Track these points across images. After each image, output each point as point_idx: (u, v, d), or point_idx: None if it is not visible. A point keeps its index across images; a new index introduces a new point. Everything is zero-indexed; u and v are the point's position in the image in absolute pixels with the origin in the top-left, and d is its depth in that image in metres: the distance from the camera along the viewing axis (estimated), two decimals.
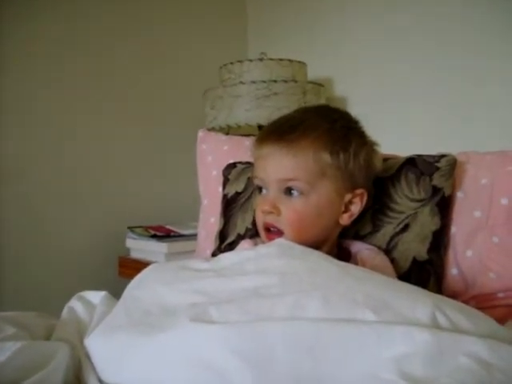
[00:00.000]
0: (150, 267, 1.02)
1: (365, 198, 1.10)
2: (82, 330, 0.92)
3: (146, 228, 2.05)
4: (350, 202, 1.09)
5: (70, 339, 0.87)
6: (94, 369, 0.80)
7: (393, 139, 1.73)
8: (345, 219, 1.09)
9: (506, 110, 1.78)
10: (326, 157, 1.03)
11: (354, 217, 1.11)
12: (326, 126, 1.06)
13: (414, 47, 2.01)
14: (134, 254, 2.07)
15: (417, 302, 0.76)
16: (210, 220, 1.54)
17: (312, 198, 1.04)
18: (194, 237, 1.75)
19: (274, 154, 1.05)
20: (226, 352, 0.70)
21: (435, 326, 0.72)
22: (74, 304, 1.02)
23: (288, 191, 1.04)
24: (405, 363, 0.66)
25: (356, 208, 1.10)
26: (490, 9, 1.81)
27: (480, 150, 1.31)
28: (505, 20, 1.78)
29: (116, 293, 1.03)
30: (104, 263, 2.15)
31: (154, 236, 1.95)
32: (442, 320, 0.72)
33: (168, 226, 2.06)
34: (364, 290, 0.77)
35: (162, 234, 1.96)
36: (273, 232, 1.06)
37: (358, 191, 1.08)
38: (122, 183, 2.26)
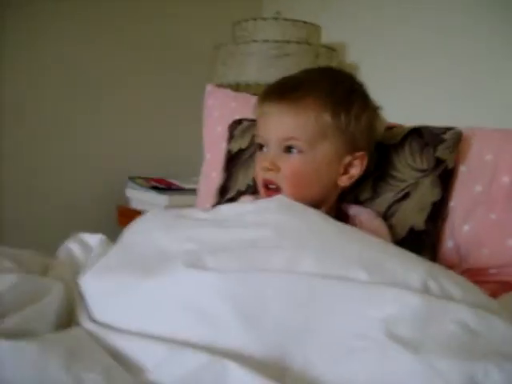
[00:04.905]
0: (148, 213, 1.03)
1: (365, 161, 1.10)
2: (77, 270, 0.94)
3: (147, 179, 2.05)
4: (350, 164, 1.09)
5: (65, 278, 0.89)
6: (86, 307, 0.81)
7: (404, 108, 1.72)
8: (344, 181, 1.10)
9: None
10: (327, 117, 1.04)
11: (354, 179, 1.11)
12: (328, 87, 1.06)
13: (430, 15, 1.97)
14: (134, 204, 2.08)
15: (410, 267, 0.77)
16: (211, 174, 1.54)
17: (310, 156, 1.04)
18: (194, 191, 1.76)
19: (275, 113, 1.05)
20: (218, 298, 0.71)
21: (426, 291, 0.73)
22: (71, 244, 1.03)
23: (288, 149, 1.05)
24: (394, 325, 0.67)
25: (356, 170, 1.10)
26: None
27: (492, 124, 1.30)
28: None
29: (114, 241, 1.03)
30: (104, 211, 2.16)
31: (154, 187, 1.96)
32: (433, 286, 0.74)
33: (169, 180, 2.07)
34: (359, 250, 0.78)
35: (163, 187, 1.96)
36: (271, 189, 1.07)
37: (359, 154, 1.09)
38: (124, 133, 2.24)
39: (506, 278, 1.18)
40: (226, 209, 0.98)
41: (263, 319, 0.69)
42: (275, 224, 0.86)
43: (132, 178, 2.07)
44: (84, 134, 2.15)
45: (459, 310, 0.70)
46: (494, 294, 1.08)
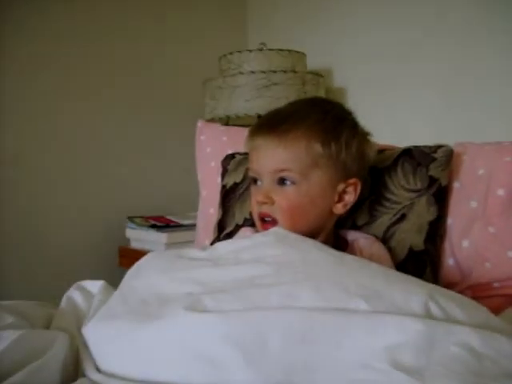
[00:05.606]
0: (147, 256, 1.03)
1: (359, 188, 1.10)
2: (80, 319, 0.93)
3: (146, 218, 2.05)
4: (344, 192, 1.09)
5: (69, 328, 0.88)
6: (91, 357, 0.81)
7: (392, 130, 1.74)
8: (339, 208, 1.10)
9: (506, 99, 1.78)
10: (318, 147, 1.04)
11: (349, 206, 1.11)
12: (317, 117, 1.07)
13: (414, 38, 2.00)
14: (134, 244, 2.08)
15: (410, 291, 0.76)
16: (208, 210, 1.54)
17: (304, 186, 1.04)
18: (193, 227, 1.76)
19: (266, 146, 1.06)
20: (219, 341, 0.71)
21: (428, 315, 0.72)
22: (73, 293, 1.02)
23: (281, 181, 1.05)
24: (397, 353, 0.67)
25: (350, 197, 1.10)
26: None
27: (481, 140, 1.31)
28: (505, 6, 1.77)
29: (116, 282, 1.03)
30: (104, 253, 2.16)
31: (153, 226, 1.96)
32: (435, 310, 0.73)
33: (167, 217, 2.07)
34: (357, 280, 0.78)
35: (162, 224, 1.96)
36: (267, 222, 1.07)
37: (351, 181, 1.09)
38: (122, 173, 2.27)
39: (510, 290, 1.17)
40: (223, 246, 0.98)
41: (265, 358, 0.69)
42: (272, 259, 0.86)
43: (131, 218, 2.08)
44: (82, 176, 2.16)
45: (463, 332, 0.69)
46: (499, 308, 1.08)
